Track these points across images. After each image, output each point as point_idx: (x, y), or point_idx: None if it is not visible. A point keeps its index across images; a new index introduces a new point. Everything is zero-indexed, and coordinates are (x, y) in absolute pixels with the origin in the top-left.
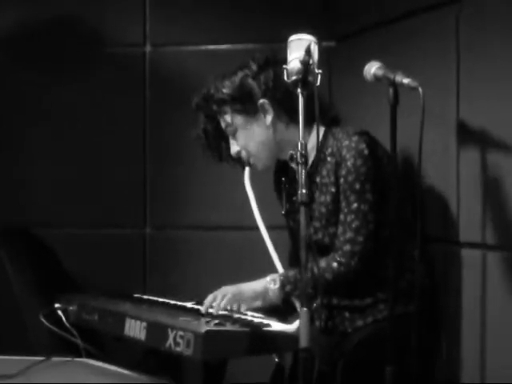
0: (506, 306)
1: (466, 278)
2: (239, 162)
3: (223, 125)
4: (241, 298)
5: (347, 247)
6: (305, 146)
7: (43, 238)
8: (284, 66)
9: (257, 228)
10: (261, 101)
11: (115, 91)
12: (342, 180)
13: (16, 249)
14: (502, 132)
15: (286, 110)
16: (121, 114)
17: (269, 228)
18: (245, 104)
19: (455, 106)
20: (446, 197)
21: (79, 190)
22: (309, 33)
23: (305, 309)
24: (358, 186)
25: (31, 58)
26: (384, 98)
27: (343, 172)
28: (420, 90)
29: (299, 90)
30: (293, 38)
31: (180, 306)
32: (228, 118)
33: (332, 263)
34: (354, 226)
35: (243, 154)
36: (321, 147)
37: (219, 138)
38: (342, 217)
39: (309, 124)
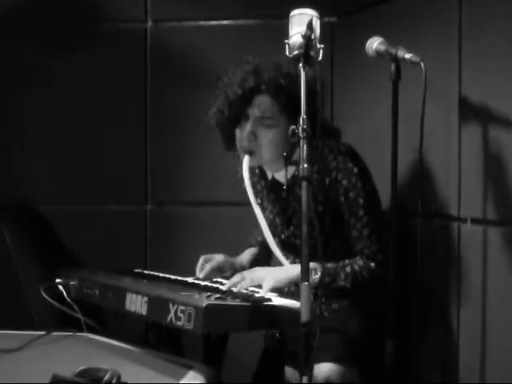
0: (507, 281)
1: (467, 253)
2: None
3: (259, 111)
4: (273, 284)
5: (378, 257)
6: (307, 122)
7: (44, 214)
8: (286, 41)
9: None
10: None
11: (116, 67)
12: (342, 199)
13: (17, 224)
14: (503, 107)
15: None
16: (122, 90)
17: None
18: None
19: (457, 82)
20: (448, 172)
21: (80, 167)
22: (310, 8)
23: (305, 283)
24: (361, 201)
25: (32, 34)
26: (386, 74)
27: (340, 192)
28: (422, 64)
29: (301, 65)
30: (294, 12)
31: (181, 280)
32: (274, 109)
33: (370, 263)
34: (373, 237)
35: (253, 143)
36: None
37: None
38: (356, 233)
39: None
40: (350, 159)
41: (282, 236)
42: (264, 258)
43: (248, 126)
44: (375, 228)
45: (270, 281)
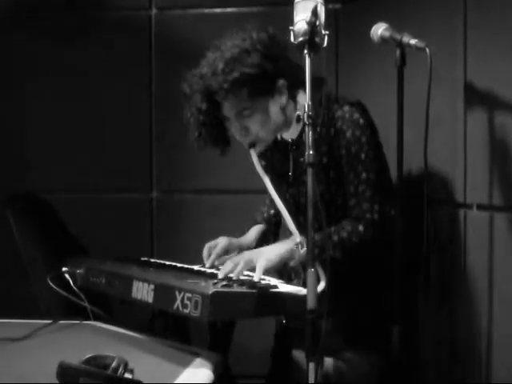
0: None
1: (473, 239)
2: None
3: (233, 108)
4: (265, 264)
5: (368, 215)
6: (310, 108)
7: (50, 202)
8: (290, 28)
9: (262, 192)
10: (280, 81)
11: (121, 55)
12: (343, 151)
13: (23, 213)
14: (509, 93)
15: (292, 87)
16: (126, 78)
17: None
18: (264, 84)
19: (462, 68)
20: (453, 158)
21: (86, 155)
22: None
23: (312, 269)
24: (363, 156)
25: (35, 21)
26: (391, 60)
27: (343, 143)
28: (427, 50)
29: (306, 52)
30: None
31: (187, 268)
32: (243, 102)
33: (358, 226)
34: (367, 195)
35: (250, 137)
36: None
37: (219, 124)
38: (351, 188)
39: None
40: (356, 110)
41: (287, 195)
42: (271, 235)
43: (233, 125)
44: (372, 186)
45: (262, 261)
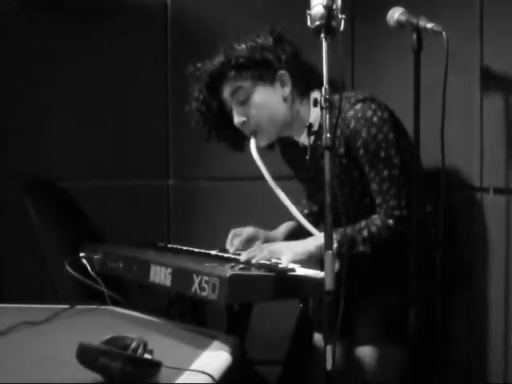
0: None
1: (491, 224)
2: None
3: (233, 91)
4: (292, 257)
5: (396, 212)
6: (328, 91)
7: (68, 189)
8: (307, 12)
9: (279, 178)
10: (281, 71)
11: (137, 42)
12: (361, 151)
13: (42, 200)
14: None
15: (302, 86)
16: (143, 65)
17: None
18: (265, 71)
19: (479, 52)
20: (470, 142)
21: (103, 142)
22: None
23: (329, 251)
24: (382, 154)
25: (51, 8)
26: (407, 45)
27: (359, 143)
28: (444, 34)
29: (322, 36)
30: None
31: (204, 253)
32: (244, 83)
33: (388, 221)
34: (392, 193)
35: (249, 124)
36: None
37: (221, 114)
38: (375, 187)
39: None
40: (368, 107)
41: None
42: (302, 232)
43: (233, 112)
44: (396, 182)
45: (289, 254)
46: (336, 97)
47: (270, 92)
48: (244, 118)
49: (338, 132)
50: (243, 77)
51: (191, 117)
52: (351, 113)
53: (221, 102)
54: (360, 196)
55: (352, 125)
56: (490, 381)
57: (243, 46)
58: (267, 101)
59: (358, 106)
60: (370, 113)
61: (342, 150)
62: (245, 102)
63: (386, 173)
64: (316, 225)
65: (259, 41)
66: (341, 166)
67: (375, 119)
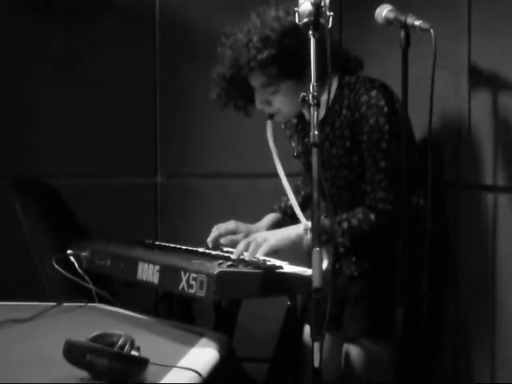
0: None
1: (477, 220)
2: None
3: (258, 81)
4: (274, 243)
5: (380, 205)
6: (317, 88)
7: (55, 187)
8: (295, 9)
9: (266, 176)
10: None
11: (125, 39)
12: (364, 137)
13: (29, 197)
14: None
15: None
16: (131, 62)
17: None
18: (294, 67)
19: (467, 49)
20: (458, 139)
21: (91, 140)
22: None
23: (317, 248)
24: (384, 145)
25: (39, 7)
26: (395, 42)
27: (365, 129)
28: (432, 31)
29: (310, 33)
30: None
31: (192, 250)
32: (271, 78)
33: (370, 215)
34: (383, 185)
35: (270, 109)
36: (335, 98)
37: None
38: (369, 175)
39: (324, 75)
40: (383, 97)
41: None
42: (286, 225)
43: (257, 97)
44: (390, 176)
45: (272, 241)
46: (353, 79)
47: (297, 86)
48: (267, 105)
49: (349, 114)
50: (271, 72)
51: (213, 83)
52: (365, 98)
53: (245, 79)
54: (356, 180)
55: (363, 110)
56: (475, 381)
57: (273, 43)
58: (293, 98)
59: (373, 93)
60: (382, 102)
61: (347, 133)
62: (270, 94)
63: (382, 164)
64: (304, 209)
65: (284, 35)
66: (343, 148)
67: (386, 109)
